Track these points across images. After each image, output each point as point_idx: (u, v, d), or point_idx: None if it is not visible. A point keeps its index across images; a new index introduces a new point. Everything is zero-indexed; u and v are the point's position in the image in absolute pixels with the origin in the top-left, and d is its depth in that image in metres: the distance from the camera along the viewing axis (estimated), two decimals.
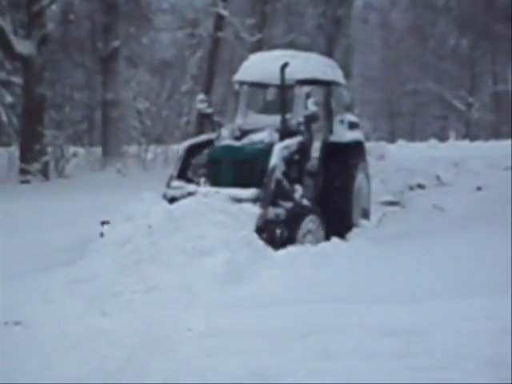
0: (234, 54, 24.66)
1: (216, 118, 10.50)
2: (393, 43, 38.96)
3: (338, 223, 9.62)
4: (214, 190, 8.25)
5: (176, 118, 23.91)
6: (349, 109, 11.34)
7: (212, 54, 21.69)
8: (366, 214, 10.92)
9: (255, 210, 7.94)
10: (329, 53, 23.69)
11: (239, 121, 10.13)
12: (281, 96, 9.44)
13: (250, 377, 4.69)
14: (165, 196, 8.47)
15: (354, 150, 10.39)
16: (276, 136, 9.23)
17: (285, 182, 8.67)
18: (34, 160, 17.46)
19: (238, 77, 10.28)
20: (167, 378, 4.70)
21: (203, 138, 10.14)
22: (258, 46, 22.72)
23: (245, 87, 10.36)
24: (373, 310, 5.97)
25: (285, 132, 9.26)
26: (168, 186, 8.80)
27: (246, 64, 10.32)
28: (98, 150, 22.14)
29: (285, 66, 9.11)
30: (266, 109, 10.45)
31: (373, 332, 5.27)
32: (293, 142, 9.13)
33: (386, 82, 38.22)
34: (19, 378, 4.66)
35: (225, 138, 9.56)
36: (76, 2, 22.82)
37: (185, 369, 5.05)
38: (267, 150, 8.68)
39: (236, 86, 10.54)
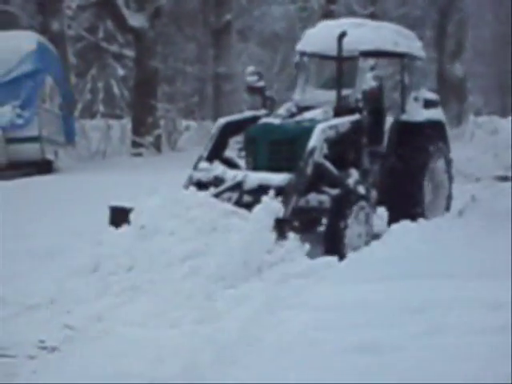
0: None
1: (268, 93, 9.37)
2: (504, 18, 36.07)
3: (406, 214, 8.43)
4: (242, 174, 7.44)
5: (286, 92, 23.32)
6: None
7: None
8: (446, 205, 9.66)
9: (274, 205, 6.78)
10: (442, 26, 23.22)
11: (297, 96, 9.12)
12: (337, 69, 8.39)
13: (361, 350, 4.62)
14: (191, 179, 7.64)
15: (429, 131, 9.18)
16: (331, 114, 8.29)
17: (329, 166, 7.60)
18: (146, 133, 17.58)
19: (298, 47, 9.23)
20: (281, 348, 4.69)
21: (247, 114, 9.06)
22: (371, 20, 21.85)
23: (305, 59, 9.26)
24: (483, 284, 5.82)
25: (340, 109, 8.29)
26: (195, 167, 7.85)
27: (308, 33, 9.30)
28: (210, 123, 22.00)
29: (342, 35, 8.11)
30: (328, 83, 9.26)
31: (477, 306, 5.17)
32: (343, 120, 8.12)
33: (497, 56, 36.57)
34: None
35: (280, 115, 8.60)
36: None
37: (297, 340, 5.01)
38: (311, 129, 7.63)
39: (296, 58, 9.35)
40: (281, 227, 6.64)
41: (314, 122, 7.86)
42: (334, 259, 6.97)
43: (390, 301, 5.39)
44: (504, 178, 14.10)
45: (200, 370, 4.41)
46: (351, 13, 21.32)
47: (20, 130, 13.26)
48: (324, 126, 7.66)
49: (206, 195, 6.93)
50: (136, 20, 15.85)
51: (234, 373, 4.54)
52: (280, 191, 6.97)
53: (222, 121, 8.58)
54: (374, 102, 8.56)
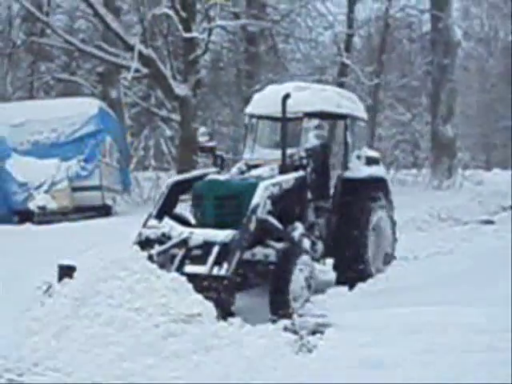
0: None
1: (219, 152, 8.62)
2: (488, 87, 38.81)
3: (349, 270, 7.75)
4: (187, 231, 6.47)
5: None
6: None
7: None
8: (388, 261, 8.69)
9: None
10: (435, 94, 23.29)
11: (246, 155, 8.30)
12: (282, 129, 7.47)
13: (365, 365, 4.59)
14: (140, 236, 6.73)
15: (371, 187, 8.30)
16: (277, 171, 7.44)
17: (273, 221, 6.72)
18: None
19: (247, 110, 8.48)
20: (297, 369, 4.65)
21: (197, 172, 8.20)
22: (376, 89, 23.19)
23: (253, 120, 8.47)
24: (466, 311, 5.74)
25: (285, 167, 7.41)
26: (144, 225, 6.96)
27: (256, 97, 8.46)
28: None
29: (286, 97, 7.28)
30: (276, 143, 8.42)
31: (466, 330, 5.08)
32: (287, 177, 7.24)
33: (482, 119, 38.07)
34: None
35: (230, 173, 7.85)
36: (224, 52, 23.55)
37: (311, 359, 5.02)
38: (255, 185, 6.77)
39: (246, 120, 8.64)
40: (215, 290, 5.73)
41: (258, 179, 7.11)
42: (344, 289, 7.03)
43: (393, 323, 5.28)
44: (488, 222, 13.88)
45: None
46: (359, 83, 21.77)
47: (84, 180, 13.45)
48: (267, 183, 6.88)
49: (138, 255, 5.83)
50: (181, 89, 16.19)
51: None
52: (224, 247, 6.15)
53: (170, 180, 7.85)
54: (317, 160, 7.97)
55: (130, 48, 16.15)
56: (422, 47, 26.29)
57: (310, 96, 7.87)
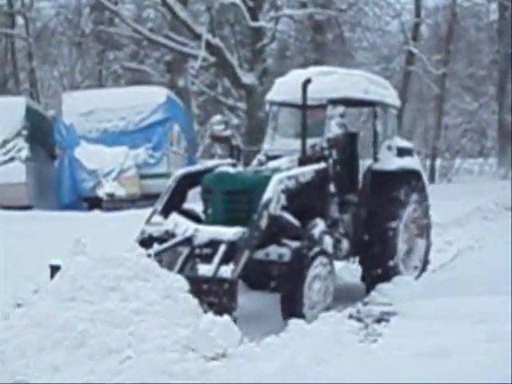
0: (423, 85, 24.34)
1: (235, 142, 7.89)
2: None
3: (377, 266, 7.20)
4: (192, 228, 5.89)
5: None
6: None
7: (403, 85, 21.37)
8: (424, 260, 8.00)
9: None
10: (501, 84, 23.28)
11: (266, 145, 7.66)
12: (302, 117, 6.82)
13: (431, 354, 4.53)
14: (142, 233, 6.24)
15: (402, 180, 7.65)
16: (296, 163, 6.90)
17: (288, 217, 6.17)
18: None
19: (268, 96, 7.85)
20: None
21: (209, 164, 7.49)
22: (443, 78, 22.72)
23: (274, 108, 7.82)
24: None
25: (305, 158, 6.85)
26: (148, 221, 6.42)
27: (278, 82, 7.81)
28: None
29: (307, 82, 6.67)
30: (298, 132, 7.63)
31: None
32: (306, 170, 6.66)
33: None
34: None
35: (252, 165, 7.33)
36: (291, 41, 23.49)
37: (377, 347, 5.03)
38: (268, 179, 6.22)
39: (267, 107, 8.07)
40: (218, 293, 5.23)
41: (273, 172, 6.50)
42: None
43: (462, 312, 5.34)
44: None
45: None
46: (426, 72, 21.45)
47: (152, 167, 13.46)
48: (281, 176, 6.24)
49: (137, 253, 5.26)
50: (248, 78, 16.08)
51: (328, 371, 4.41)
52: (232, 246, 5.62)
53: (179, 172, 7.13)
54: (341, 150, 7.32)
55: (197, 37, 16.20)
56: (490, 36, 25.84)
57: (334, 81, 7.23)
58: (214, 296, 5.02)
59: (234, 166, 6.92)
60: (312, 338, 5.00)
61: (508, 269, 7.22)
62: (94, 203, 12.79)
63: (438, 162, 22.95)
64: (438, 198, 9.80)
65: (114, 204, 12.66)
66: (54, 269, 5.27)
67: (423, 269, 7.78)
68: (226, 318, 4.55)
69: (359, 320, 5.80)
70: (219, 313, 4.69)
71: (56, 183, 14.63)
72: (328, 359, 4.64)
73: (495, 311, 5.42)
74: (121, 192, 12.92)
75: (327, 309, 5.77)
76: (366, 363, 4.57)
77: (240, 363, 4.34)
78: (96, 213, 11.55)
